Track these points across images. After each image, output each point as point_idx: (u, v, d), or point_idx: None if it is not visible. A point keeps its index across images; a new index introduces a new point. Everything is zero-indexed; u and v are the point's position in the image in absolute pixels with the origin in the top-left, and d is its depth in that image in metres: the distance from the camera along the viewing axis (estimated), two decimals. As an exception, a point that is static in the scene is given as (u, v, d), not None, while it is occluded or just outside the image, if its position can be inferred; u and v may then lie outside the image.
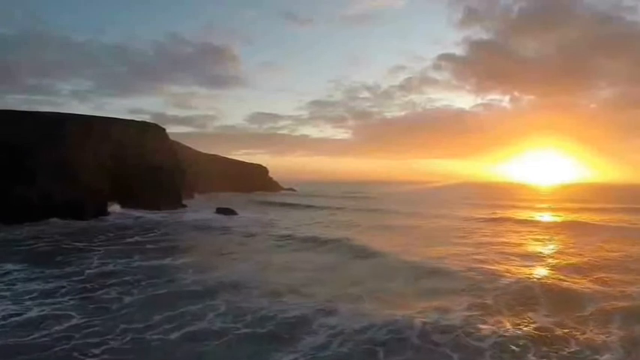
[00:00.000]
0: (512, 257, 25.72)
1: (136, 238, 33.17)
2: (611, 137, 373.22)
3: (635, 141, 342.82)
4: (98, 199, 44.40)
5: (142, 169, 51.04)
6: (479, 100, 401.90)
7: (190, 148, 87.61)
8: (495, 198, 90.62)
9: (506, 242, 31.55)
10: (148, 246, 29.66)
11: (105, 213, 45.22)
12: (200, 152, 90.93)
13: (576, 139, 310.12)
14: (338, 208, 55.42)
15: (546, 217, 50.97)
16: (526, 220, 46.93)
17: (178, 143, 77.77)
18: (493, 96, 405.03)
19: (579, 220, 46.49)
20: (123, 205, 49.62)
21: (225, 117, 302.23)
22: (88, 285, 18.72)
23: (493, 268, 22.32)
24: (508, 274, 20.82)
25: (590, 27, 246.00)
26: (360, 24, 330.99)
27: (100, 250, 27.19)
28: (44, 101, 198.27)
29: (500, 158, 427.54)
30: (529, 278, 20.33)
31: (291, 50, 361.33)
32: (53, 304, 16.24)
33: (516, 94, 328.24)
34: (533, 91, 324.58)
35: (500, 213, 53.05)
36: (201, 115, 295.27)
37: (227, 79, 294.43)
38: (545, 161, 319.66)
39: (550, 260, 25.53)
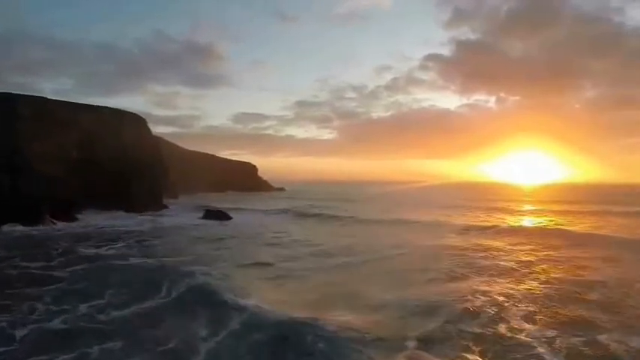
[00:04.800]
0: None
1: (108, 252, 25.02)
2: (594, 137, 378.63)
3: (617, 141, 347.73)
4: (61, 200, 35.51)
5: (116, 164, 42.18)
6: (464, 101, 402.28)
7: (175, 145, 79.01)
8: (487, 200, 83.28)
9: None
10: (125, 264, 21.55)
11: (69, 217, 36.33)
12: (185, 149, 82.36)
13: (560, 139, 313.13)
14: (351, 218, 46.16)
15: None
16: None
17: (162, 139, 69.19)
18: (479, 96, 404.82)
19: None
20: (92, 205, 40.86)
21: (210, 117, 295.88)
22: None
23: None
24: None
25: (578, 28, 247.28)
26: (349, 23, 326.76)
27: (56, 279, 18.85)
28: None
29: (485, 158, 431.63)
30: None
31: (277, 49, 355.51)
32: None
33: (502, 94, 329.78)
34: (519, 91, 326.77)
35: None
36: (186, 115, 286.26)
37: (212, 79, 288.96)
38: (530, 161, 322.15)
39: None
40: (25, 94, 38.09)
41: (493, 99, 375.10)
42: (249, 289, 17.16)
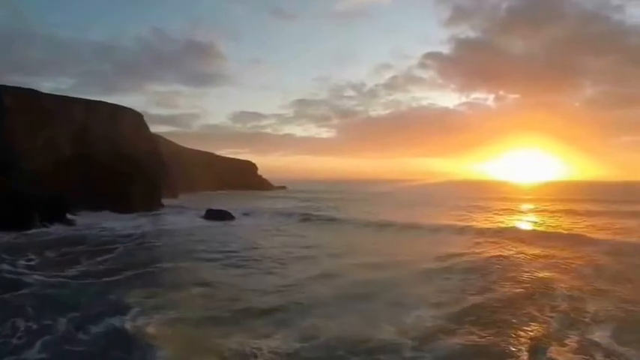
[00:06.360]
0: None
1: (102, 261, 22.22)
2: (594, 136, 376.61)
3: (617, 140, 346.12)
4: (51, 200, 32.76)
5: (112, 160, 39.40)
6: (463, 99, 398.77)
7: (174, 143, 76.66)
8: (494, 199, 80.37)
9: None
10: (119, 278, 18.93)
11: (61, 219, 33.45)
12: (185, 148, 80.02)
13: (560, 137, 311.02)
14: (377, 225, 37.89)
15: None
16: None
17: (161, 137, 66.73)
18: (478, 94, 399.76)
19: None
20: (87, 205, 38.15)
21: (209, 116, 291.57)
22: None
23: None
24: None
25: (577, 26, 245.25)
26: (348, 21, 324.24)
27: (36, 287, 16.28)
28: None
29: (484, 156, 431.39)
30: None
31: (277, 47, 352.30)
32: None
33: (501, 92, 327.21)
34: (519, 89, 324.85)
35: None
36: (185, 113, 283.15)
37: (211, 77, 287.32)
38: (529, 159, 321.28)
39: None
40: (12, 85, 35.29)
41: (492, 97, 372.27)
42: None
